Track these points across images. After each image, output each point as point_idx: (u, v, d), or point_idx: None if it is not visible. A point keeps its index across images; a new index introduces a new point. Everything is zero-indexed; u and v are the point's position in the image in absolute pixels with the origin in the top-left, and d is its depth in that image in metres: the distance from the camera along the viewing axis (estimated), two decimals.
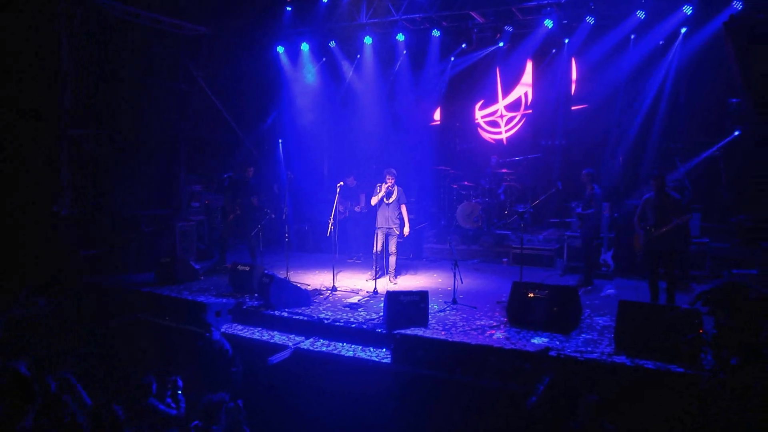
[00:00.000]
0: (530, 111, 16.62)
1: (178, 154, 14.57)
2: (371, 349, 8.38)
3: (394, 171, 11.69)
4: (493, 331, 8.59)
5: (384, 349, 8.28)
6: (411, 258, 14.63)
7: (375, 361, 7.99)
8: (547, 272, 12.92)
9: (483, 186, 15.70)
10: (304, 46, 16.47)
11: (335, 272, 11.49)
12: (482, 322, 9.11)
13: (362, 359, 8.06)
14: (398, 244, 12.14)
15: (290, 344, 8.68)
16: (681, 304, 9.29)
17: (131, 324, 10.03)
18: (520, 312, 8.95)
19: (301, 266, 13.44)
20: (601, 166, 14.36)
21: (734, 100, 13.00)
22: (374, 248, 11.73)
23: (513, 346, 7.17)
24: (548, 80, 15.84)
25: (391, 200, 11.55)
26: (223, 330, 9.33)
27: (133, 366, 8.67)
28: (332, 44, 16.34)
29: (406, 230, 11.81)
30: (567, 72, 15.37)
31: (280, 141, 15.91)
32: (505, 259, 14.32)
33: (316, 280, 12.09)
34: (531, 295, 8.92)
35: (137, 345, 9.59)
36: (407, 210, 11.90)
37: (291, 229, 13.61)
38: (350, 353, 8.28)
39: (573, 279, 12.11)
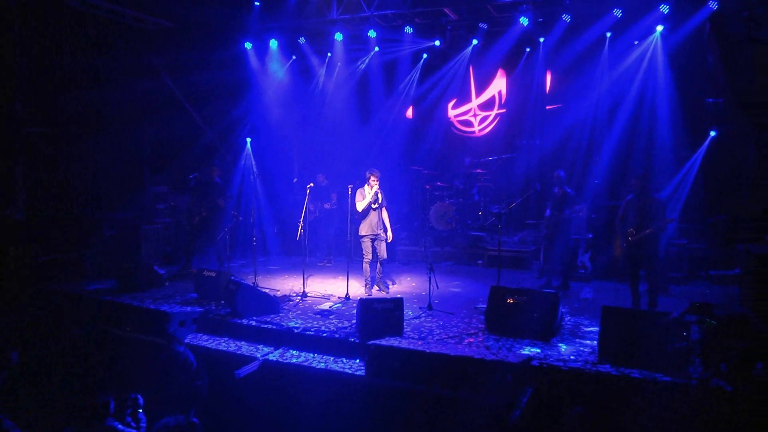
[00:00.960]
0: (504, 110, 16.34)
1: (143, 154, 13.97)
2: (344, 360, 7.94)
3: (378, 172, 10.73)
4: (472, 339, 8.24)
5: (357, 360, 7.85)
6: (384, 261, 14.19)
7: (348, 373, 7.55)
8: (523, 274, 12.66)
9: (457, 186, 15.40)
10: (273, 43, 15.95)
11: (305, 277, 11.05)
12: (460, 330, 8.76)
13: (335, 371, 7.61)
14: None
15: (258, 355, 8.20)
16: (663, 308, 9.20)
17: (89, 336, 9.43)
18: (499, 318, 8.61)
19: (270, 270, 12.98)
20: (577, 167, 14.11)
21: (711, 99, 12.87)
22: (365, 257, 10.80)
23: (494, 357, 6.80)
24: (523, 79, 15.54)
25: (379, 203, 10.68)
26: (187, 341, 8.83)
27: (90, 382, 8.11)
28: (302, 41, 15.85)
29: (390, 236, 10.88)
30: (542, 71, 15.08)
31: (248, 140, 15.39)
32: (480, 261, 14.03)
33: (285, 285, 11.64)
34: (510, 300, 8.59)
35: (95, 359, 9.01)
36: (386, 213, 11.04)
37: (259, 232, 13.15)
38: (322, 365, 7.82)
39: (551, 281, 11.87)
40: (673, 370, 6.87)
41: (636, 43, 13.43)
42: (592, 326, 8.88)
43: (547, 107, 15.41)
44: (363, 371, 7.49)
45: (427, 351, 6.97)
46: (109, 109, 13.04)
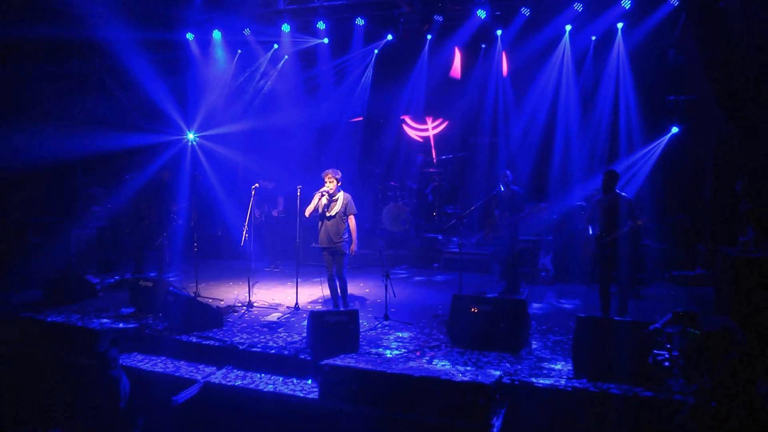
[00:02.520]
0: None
1: (73, 151, 12.77)
2: (295, 381, 7.16)
3: (337, 171, 9.15)
4: (433, 353, 7.58)
5: (310, 381, 7.09)
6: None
7: (300, 396, 6.75)
8: (482, 278, 12.09)
9: (410, 186, 14.80)
10: (216, 34, 15.08)
11: (251, 284, 10.22)
12: (420, 342, 8.10)
13: (285, 395, 6.81)
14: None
15: (199, 377, 7.35)
16: (633, 313, 8.76)
17: (4, 359, 8.37)
18: (462, 329, 7.99)
19: (214, 277, 12.10)
20: (536, 165, 13.67)
21: (671, 97, 12.58)
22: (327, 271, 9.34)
23: (463, 378, 6.13)
24: (478, 75, 14.97)
25: (333, 211, 8.97)
26: (121, 361, 7.86)
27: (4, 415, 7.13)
28: (247, 32, 14.93)
29: (353, 248, 9.16)
30: (498, 66, 14.54)
31: (192, 136, 14.41)
32: (436, 264, 13.46)
33: (230, 293, 10.82)
34: (474, 309, 7.95)
35: (11, 386, 7.97)
36: (354, 221, 9.22)
37: (202, 236, 12.25)
38: (270, 387, 7.01)
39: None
40: (654, 384, 6.37)
41: (594, 38, 13.07)
42: (561, 335, 8.39)
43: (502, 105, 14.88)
44: (316, 394, 6.72)
45: (388, 371, 6.24)
46: (33, 99, 11.81)
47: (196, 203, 10.99)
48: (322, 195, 9.00)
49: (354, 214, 9.15)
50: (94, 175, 13.48)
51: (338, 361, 6.64)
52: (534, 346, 7.88)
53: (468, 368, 6.92)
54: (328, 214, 9.02)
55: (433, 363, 7.17)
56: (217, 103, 15.50)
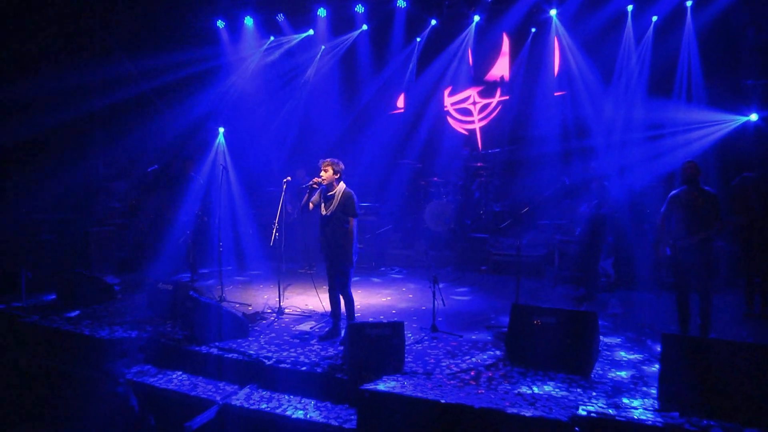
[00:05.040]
0: (507, 98, 14.54)
1: (93, 143, 12.01)
2: (329, 406, 6.12)
3: (337, 162, 7.71)
4: (492, 374, 6.47)
5: (347, 407, 6.04)
6: (373, 266, 12.45)
7: (334, 426, 5.70)
8: (536, 283, 10.95)
9: (454, 182, 13.65)
10: (248, 21, 14.28)
11: (282, 288, 9.24)
12: (474, 359, 6.99)
13: (316, 423, 5.77)
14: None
15: (218, 398, 6.37)
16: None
17: (4, 370, 7.51)
18: (522, 344, 6.87)
19: (243, 280, 11.21)
20: (591, 159, 12.41)
21: (750, 81, 11.23)
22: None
23: (534, 412, 5.00)
24: (529, 62, 13.78)
25: (329, 210, 7.60)
26: (131, 376, 6.95)
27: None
28: (280, 18, 14.16)
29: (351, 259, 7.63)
30: (550, 52, 13.34)
31: (221, 129, 13.51)
32: (483, 267, 12.35)
33: (259, 298, 9.88)
34: (536, 322, 6.83)
35: (11, 400, 7.11)
36: (355, 228, 7.63)
37: (231, 235, 11.36)
38: (300, 413, 5.97)
39: (567, 290, 10.44)
40: None
41: (654, 19, 11.79)
42: (634, 352, 7.24)
43: (555, 94, 13.66)
44: (353, 422, 5.68)
45: (442, 401, 5.15)
46: (49, 88, 11.03)
47: (223, 200, 10.09)
48: (312, 186, 7.65)
49: (355, 217, 7.59)
50: (115, 169, 12.65)
51: (380, 385, 5.57)
52: (606, 368, 6.72)
53: (534, 393, 5.79)
54: (323, 213, 7.63)
55: (491, 386, 6.06)
56: (249, 93, 14.66)
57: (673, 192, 7.84)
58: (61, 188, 11.41)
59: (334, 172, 7.65)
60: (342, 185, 7.69)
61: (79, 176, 11.92)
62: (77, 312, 8.75)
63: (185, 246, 10.47)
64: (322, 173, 7.63)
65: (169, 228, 10.75)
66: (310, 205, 7.73)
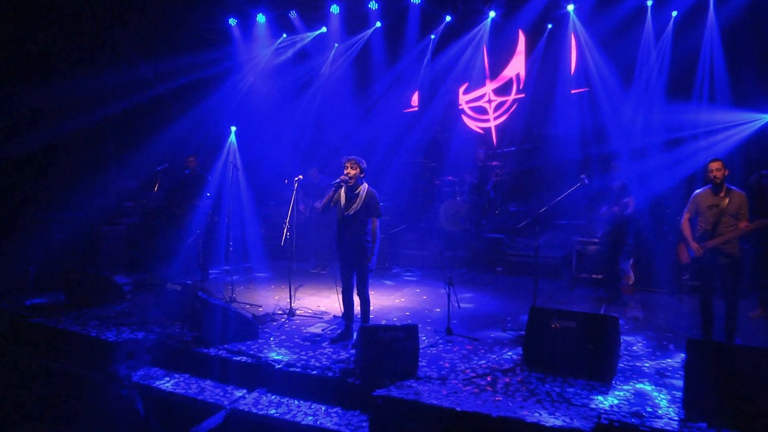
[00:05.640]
0: (523, 95, 14.26)
1: (106, 142, 11.89)
2: (340, 411, 5.92)
3: (361, 160, 7.48)
4: (508, 379, 6.24)
5: (358, 413, 5.84)
6: (386, 267, 12.23)
7: None
8: (553, 284, 10.68)
9: (469, 181, 13.37)
10: (261, 18, 14.10)
11: (293, 289, 9.05)
12: (490, 363, 6.76)
13: (327, 430, 5.56)
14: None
15: (226, 402, 6.19)
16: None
17: (8, 371, 7.35)
18: (540, 349, 6.65)
19: (253, 280, 11.04)
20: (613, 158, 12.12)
21: None
22: (337, 285, 7.84)
23: (554, 423, 4.76)
24: (545, 59, 13.52)
25: (352, 209, 7.33)
26: (137, 379, 6.79)
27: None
28: (293, 15, 13.94)
29: (370, 259, 7.43)
30: (567, 48, 13.07)
31: (233, 128, 13.36)
32: (499, 268, 12.10)
33: (270, 299, 9.68)
34: (555, 325, 6.59)
35: (13, 402, 6.96)
36: (378, 229, 7.47)
37: (241, 234, 11.19)
38: (310, 419, 5.78)
39: (585, 292, 10.21)
40: None
41: (675, 14, 11.48)
42: (656, 358, 6.98)
43: (572, 91, 13.38)
44: (365, 430, 5.47)
45: (458, 409, 4.93)
46: (62, 88, 10.93)
47: (234, 198, 9.94)
48: (339, 185, 7.39)
49: (378, 217, 7.43)
50: (128, 168, 12.53)
51: (394, 392, 5.36)
52: (627, 375, 6.47)
53: (554, 401, 5.55)
54: (346, 213, 7.34)
55: (508, 392, 5.83)
56: (260, 92, 14.51)
57: (698, 191, 7.55)
58: (72, 186, 11.30)
59: (360, 171, 7.40)
60: (365, 185, 7.47)
61: (94, 177, 11.82)
62: (85, 312, 8.59)
63: (195, 246, 10.29)
64: (348, 171, 7.33)
65: (180, 227, 10.60)
66: (331, 203, 7.49)
